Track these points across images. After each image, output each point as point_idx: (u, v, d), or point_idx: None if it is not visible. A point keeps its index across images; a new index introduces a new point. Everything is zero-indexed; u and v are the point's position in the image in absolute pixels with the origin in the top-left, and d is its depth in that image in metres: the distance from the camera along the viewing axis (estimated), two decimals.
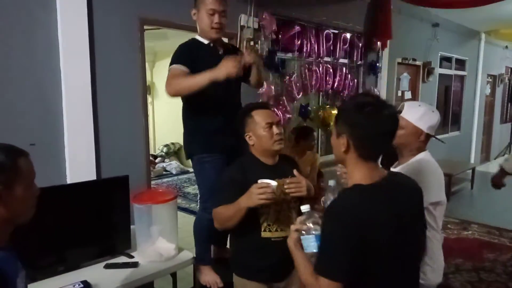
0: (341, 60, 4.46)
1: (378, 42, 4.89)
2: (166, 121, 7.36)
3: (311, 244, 1.13)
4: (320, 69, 4.18)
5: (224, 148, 2.08)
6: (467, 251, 3.82)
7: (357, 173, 1.15)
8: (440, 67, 6.66)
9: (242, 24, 3.30)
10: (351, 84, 4.58)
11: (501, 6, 4.89)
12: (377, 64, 4.95)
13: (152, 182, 3.76)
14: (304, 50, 3.96)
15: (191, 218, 4.23)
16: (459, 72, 7.37)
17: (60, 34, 2.29)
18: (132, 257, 1.94)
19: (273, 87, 3.68)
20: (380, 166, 1.75)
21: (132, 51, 2.66)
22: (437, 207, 1.60)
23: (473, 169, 6.42)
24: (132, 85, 2.68)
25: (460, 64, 7.37)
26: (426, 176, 1.56)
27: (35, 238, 1.55)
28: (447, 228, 4.43)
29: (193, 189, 5.96)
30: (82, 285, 1.63)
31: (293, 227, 1.21)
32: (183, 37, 2.51)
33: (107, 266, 1.84)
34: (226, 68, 1.81)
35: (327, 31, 4.19)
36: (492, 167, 8.29)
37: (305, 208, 1.21)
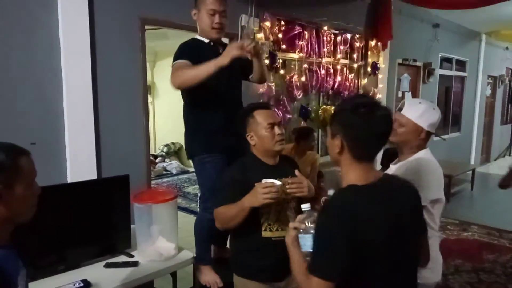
0: (342, 61, 4.46)
1: (379, 43, 4.89)
2: (166, 121, 7.37)
3: (307, 243, 1.13)
4: (321, 69, 4.18)
5: (225, 148, 2.08)
6: (467, 252, 3.82)
7: (352, 174, 1.15)
8: (441, 68, 6.66)
9: (242, 24, 3.30)
10: (351, 84, 4.59)
11: (501, 7, 4.90)
12: (378, 65, 4.95)
13: (152, 182, 3.76)
14: (305, 50, 3.97)
15: (191, 218, 4.23)
16: (460, 73, 7.37)
17: (61, 34, 2.30)
18: (132, 256, 1.94)
19: (273, 87, 3.68)
20: (381, 165, 1.76)
21: (133, 51, 2.66)
22: (435, 205, 1.60)
23: (473, 170, 6.42)
24: (132, 85, 2.68)
25: (461, 65, 7.37)
26: (425, 175, 1.57)
27: (35, 237, 1.55)
28: (447, 229, 4.43)
29: (193, 189, 5.97)
30: (82, 284, 1.63)
31: (291, 224, 1.22)
32: (184, 37, 2.51)
33: (107, 265, 1.84)
34: (230, 52, 1.80)
35: (327, 31, 4.19)
36: (493, 168, 8.30)
37: (305, 207, 1.21)
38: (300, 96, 4.01)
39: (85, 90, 2.41)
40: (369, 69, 4.85)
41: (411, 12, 5.36)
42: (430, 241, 1.50)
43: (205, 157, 2.10)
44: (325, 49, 4.19)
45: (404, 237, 1.13)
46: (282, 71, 3.81)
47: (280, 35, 3.71)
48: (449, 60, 6.96)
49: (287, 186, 1.63)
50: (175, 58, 2.00)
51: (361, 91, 4.78)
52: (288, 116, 3.88)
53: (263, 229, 1.71)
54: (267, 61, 3.54)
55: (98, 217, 1.90)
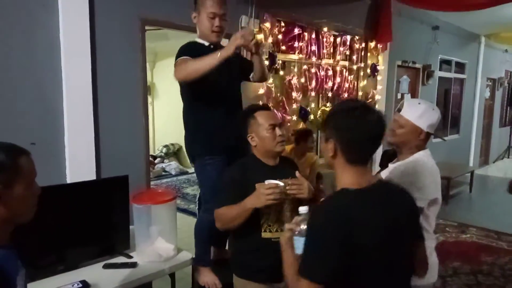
0: (341, 62, 4.46)
1: (378, 45, 4.90)
2: (165, 122, 7.36)
3: (301, 246, 1.14)
4: (320, 71, 4.19)
5: (226, 148, 2.09)
6: (465, 254, 3.83)
7: (345, 178, 1.16)
8: (440, 70, 6.68)
9: (243, 25, 3.31)
10: (351, 86, 4.59)
11: (501, 10, 4.91)
12: (377, 67, 4.96)
13: (151, 183, 3.76)
14: (304, 52, 3.97)
15: (190, 219, 4.23)
16: (459, 75, 7.39)
17: (62, 34, 2.30)
18: (131, 257, 1.94)
19: (273, 89, 3.69)
20: (379, 166, 1.76)
21: (133, 51, 2.67)
22: (431, 207, 1.59)
23: (472, 173, 6.44)
24: (132, 85, 2.68)
25: (460, 67, 7.39)
26: (422, 176, 1.57)
27: (34, 237, 1.55)
28: (446, 231, 4.44)
29: (192, 190, 5.97)
30: (81, 285, 1.63)
31: (287, 225, 1.23)
32: (184, 37, 2.52)
33: (106, 266, 1.84)
34: (233, 41, 1.81)
35: (327, 33, 4.20)
36: (491, 170, 8.32)
37: (303, 209, 1.21)
38: (300, 97, 4.02)
39: (85, 90, 2.41)
40: (368, 71, 4.85)
41: (411, 14, 5.37)
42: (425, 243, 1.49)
43: (206, 158, 2.11)
44: (324, 51, 4.20)
45: (397, 242, 1.13)
46: (281, 73, 3.81)
47: (280, 37, 3.71)
48: (448, 62, 6.98)
49: (287, 187, 1.64)
50: (178, 57, 2.01)
51: (360, 93, 4.79)
52: (287, 117, 3.88)
53: (263, 230, 1.71)
54: (266, 62, 3.54)
55: (97, 217, 1.90)
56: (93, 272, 1.79)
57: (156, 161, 7.27)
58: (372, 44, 4.84)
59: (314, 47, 4.06)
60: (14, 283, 1.01)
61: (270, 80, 3.65)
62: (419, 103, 1.67)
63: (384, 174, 1.76)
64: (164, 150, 7.54)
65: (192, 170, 6.85)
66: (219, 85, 2.08)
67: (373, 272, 1.09)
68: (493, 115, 9.03)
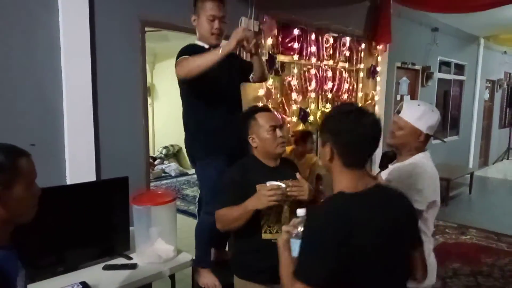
0: (341, 64, 4.47)
1: (378, 46, 4.91)
2: (165, 123, 7.36)
3: (298, 248, 1.14)
4: (320, 72, 4.19)
5: (227, 150, 2.09)
6: (465, 255, 3.83)
7: (342, 181, 1.16)
8: (439, 71, 6.69)
9: (242, 27, 3.31)
10: (350, 87, 4.60)
11: (500, 12, 4.92)
12: (376, 68, 4.97)
13: (151, 184, 3.76)
14: (304, 53, 3.98)
15: (190, 220, 4.23)
16: (458, 77, 7.40)
17: (62, 34, 2.30)
18: (130, 258, 1.94)
19: (272, 90, 3.69)
20: (379, 168, 1.76)
21: (133, 52, 2.67)
22: (430, 210, 1.59)
23: (472, 174, 6.44)
24: (132, 86, 2.68)
25: (459, 69, 7.40)
26: (420, 178, 1.56)
27: (34, 238, 1.55)
28: (445, 233, 4.44)
29: (192, 191, 5.96)
30: (81, 286, 1.63)
31: (284, 228, 1.24)
32: (184, 39, 2.52)
33: (106, 268, 1.84)
34: (235, 36, 1.81)
35: (327, 34, 4.20)
36: (491, 172, 8.33)
37: (300, 212, 1.21)
38: (299, 99, 4.02)
39: (85, 91, 2.41)
40: (368, 72, 4.86)
41: (410, 15, 5.38)
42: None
43: (207, 160, 2.11)
44: (324, 52, 4.20)
45: (394, 246, 1.13)
46: (281, 74, 3.81)
47: (279, 38, 3.71)
48: (447, 64, 6.99)
49: (287, 189, 1.64)
50: (179, 57, 2.02)
51: (360, 94, 4.80)
52: (287, 119, 3.88)
53: (263, 231, 1.71)
54: (266, 64, 3.54)
55: (97, 219, 1.90)
56: (93, 273, 1.79)
57: (155, 162, 7.26)
58: (371, 46, 4.85)
59: (313, 49, 4.06)
60: (14, 284, 1.01)
61: (270, 81, 3.65)
62: (418, 105, 1.66)
63: (384, 175, 1.76)
64: (164, 151, 7.54)
65: (191, 171, 6.85)
66: (219, 86, 2.08)
67: (369, 276, 1.09)
68: (493, 117, 9.04)
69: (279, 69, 3.77)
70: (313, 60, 4.10)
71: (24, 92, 2.22)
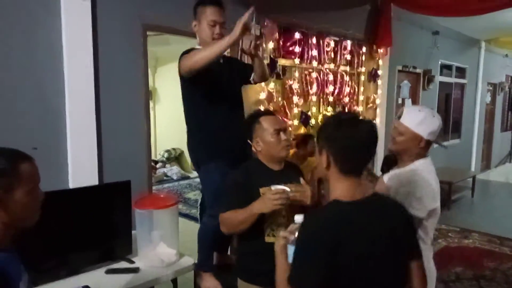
0: (342, 67, 4.48)
1: (379, 50, 4.92)
2: (167, 126, 7.37)
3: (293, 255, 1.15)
4: (321, 76, 4.20)
5: (230, 153, 2.10)
6: (468, 259, 3.81)
7: (338, 189, 1.17)
8: (441, 75, 6.69)
9: None
10: (351, 91, 4.61)
11: (501, 15, 4.93)
12: (378, 72, 4.97)
13: (153, 188, 3.76)
14: (305, 57, 3.99)
15: (192, 224, 4.23)
16: (460, 80, 7.40)
17: (64, 38, 2.31)
18: (133, 262, 1.94)
19: (274, 93, 3.70)
20: (381, 172, 1.76)
21: (135, 56, 2.68)
22: (430, 219, 1.57)
23: (474, 177, 6.43)
24: (134, 90, 2.70)
25: (460, 72, 7.40)
26: (419, 186, 1.54)
27: (37, 242, 1.55)
28: (448, 236, 4.43)
29: (194, 194, 5.96)
30: None
31: (282, 233, 1.24)
32: (185, 43, 2.54)
33: (108, 271, 1.84)
34: (238, 25, 1.82)
35: (327, 38, 4.22)
36: (493, 175, 8.31)
37: (298, 218, 1.22)
38: (301, 102, 4.03)
39: (87, 95, 2.42)
40: (369, 76, 4.87)
41: (411, 19, 5.39)
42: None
43: (211, 165, 2.11)
44: (325, 56, 4.21)
45: (388, 256, 1.13)
46: (282, 78, 3.82)
47: (280, 42, 3.73)
48: (449, 67, 7.00)
49: (290, 194, 1.65)
50: (182, 55, 2.04)
51: (361, 98, 4.80)
52: (289, 122, 3.89)
53: (266, 234, 1.72)
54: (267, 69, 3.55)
55: (99, 222, 1.91)
56: (95, 277, 1.79)
57: (157, 165, 7.27)
58: (372, 49, 4.86)
59: (314, 52, 4.07)
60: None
61: (271, 85, 3.66)
62: (419, 110, 1.65)
63: (385, 178, 1.76)
64: (166, 155, 7.54)
65: (193, 175, 6.85)
66: (219, 87, 2.11)
67: (362, 284, 1.10)
68: (494, 120, 9.03)
69: (281, 72, 3.78)
70: (314, 63, 4.11)
71: (26, 95, 2.24)
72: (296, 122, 4.04)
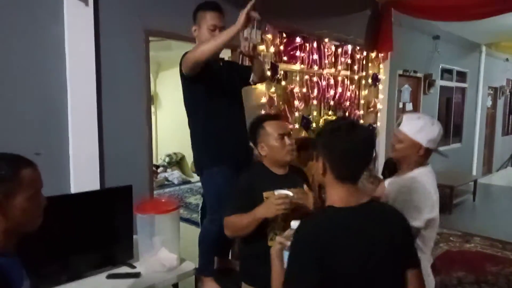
0: (343, 72, 4.49)
1: (379, 54, 4.93)
2: (168, 131, 7.38)
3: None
4: (322, 80, 4.21)
5: (232, 156, 2.11)
6: (470, 264, 3.79)
7: (334, 195, 1.18)
8: (441, 79, 6.70)
9: (245, 36, 3.34)
10: (352, 95, 4.62)
11: (501, 19, 4.94)
12: (378, 76, 4.98)
13: (154, 192, 3.76)
14: (306, 62, 4.00)
15: (193, 229, 4.22)
16: (460, 84, 7.41)
17: (67, 43, 2.33)
18: (134, 267, 1.94)
19: (275, 98, 3.71)
20: (381, 176, 1.76)
21: (137, 61, 2.70)
22: (428, 229, 1.55)
23: (475, 181, 6.41)
24: (136, 95, 2.71)
25: (461, 76, 7.41)
26: (417, 195, 1.53)
27: (38, 247, 1.55)
28: (449, 241, 4.41)
29: (195, 199, 5.95)
30: None
31: (278, 239, 1.25)
32: (187, 48, 2.54)
33: (109, 276, 1.84)
34: (242, 15, 1.84)
35: (328, 43, 4.23)
36: (495, 179, 8.28)
37: (294, 224, 1.22)
38: (302, 106, 4.04)
39: (89, 100, 2.44)
40: (369, 80, 4.88)
41: (412, 24, 5.41)
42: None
43: (214, 169, 2.12)
44: (326, 61, 4.23)
45: (382, 264, 1.12)
46: (283, 82, 3.84)
47: (281, 47, 3.74)
48: (449, 71, 7.00)
49: (293, 199, 1.66)
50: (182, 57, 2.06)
51: (362, 102, 4.81)
52: (290, 126, 3.90)
53: (269, 238, 1.72)
54: (269, 73, 3.57)
55: (100, 227, 1.91)
56: (96, 282, 1.79)
57: (158, 170, 7.27)
58: (373, 54, 4.88)
59: (315, 57, 4.09)
60: None
61: (272, 89, 3.67)
62: (418, 118, 1.64)
63: (386, 183, 1.76)
64: (167, 159, 7.54)
65: (194, 179, 6.85)
66: (221, 88, 2.13)
67: None
68: (495, 124, 9.02)
69: (282, 77, 3.80)
70: (315, 68, 4.13)
71: (29, 100, 2.25)
72: (297, 126, 4.04)
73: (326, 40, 4.20)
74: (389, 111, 5.27)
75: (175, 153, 7.57)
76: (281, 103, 3.84)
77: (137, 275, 1.85)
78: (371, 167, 4.20)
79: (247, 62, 2.57)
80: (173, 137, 6.92)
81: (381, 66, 5.04)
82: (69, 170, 2.36)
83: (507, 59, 8.64)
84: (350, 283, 1.08)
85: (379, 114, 5.10)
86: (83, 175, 2.39)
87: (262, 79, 2.34)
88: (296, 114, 4.01)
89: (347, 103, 4.56)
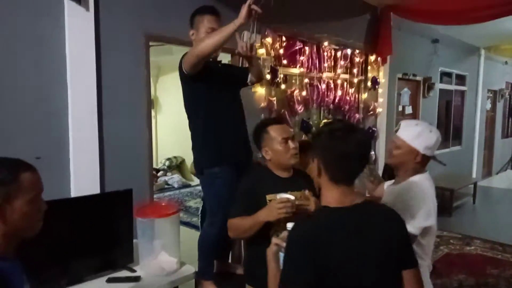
0: (342, 76, 4.51)
1: (379, 58, 4.95)
2: (168, 135, 7.40)
3: None
4: (321, 84, 4.23)
5: (233, 157, 2.12)
6: (470, 266, 3.79)
7: (328, 196, 1.19)
8: (441, 82, 6.71)
9: (245, 40, 3.35)
10: (352, 99, 4.63)
11: (500, 23, 4.96)
12: (378, 80, 5.00)
13: (154, 196, 3.76)
14: (306, 65, 4.02)
15: (193, 232, 4.22)
16: (460, 87, 7.42)
17: (68, 48, 2.34)
18: (134, 271, 1.94)
19: (275, 102, 3.72)
20: (382, 178, 1.77)
21: (138, 66, 2.71)
22: (426, 237, 1.54)
23: (475, 184, 6.41)
24: (137, 99, 2.72)
25: (461, 79, 7.43)
26: (413, 202, 1.53)
27: (38, 251, 1.55)
28: (450, 244, 4.41)
29: (195, 203, 5.95)
30: None
31: (274, 240, 1.26)
32: None
33: (110, 280, 1.84)
34: (243, 9, 1.86)
35: (328, 47, 4.25)
36: (495, 182, 8.28)
37: (290, 226, 1.23)
38: (301, 110, 4.05)
39: (90, 104, 2.44)
40: (369, 83, 4.89)
41: (411, 27, 5.43)
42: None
43: (215, 170, 2.13)
44: (325, 64, 4.24)
45: (378, 262, 1.12)
46: (283, 86, 3.85)
47: (281, 51, 3.76)
48: (449, 75, 7.02)
49: (296, 203, 1.67)
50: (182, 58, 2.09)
51: (361, 105, 4.82)
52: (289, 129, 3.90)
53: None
54: (268, 76, 3.58)
55: (100, 231, 1.91)
56: (96, 286, 1.79)
57: (158, 174, 7.27)
58: (372, 57, 4.89)
59: (315, 61, 4.11)
60: None
61: (272, 93, 3.69)
62: (416, 124, 1.65)
63: (386, 185, 1.76)
64: (167, 163, 7.54)
65: (194, 183, 6.85)
66: (220, 87, 2.15)
67: None
68: (495, 127, 9.03)
69: (281, 81, 3.81)
70: (315, 72, 4.14)
71: (30, 105, 2.26)
72: (297, 129, 4.05)
73: (326, 43, 4.22)
74: (389, 114, 5.28)
75: (175, 157, 7.57)
76: (281, 106, 3.85)
77: (137, 279, 1.85)
78: (372, 166, 4.19)
79: (247, 64, 2.59)
80: (173, 141, 6.93)
81: (380, 69, 5.05)
82: (70, 174, 2.37)
83: (506, 62, 8.67)
84: (345, 282, 1.09)
85: (378, 118, 5.11)
86: (83, 179, 2.39)
87: (259, 79, 2.37)
88: (296, 118, 4.02)
89: (347, 107, 4.57)
